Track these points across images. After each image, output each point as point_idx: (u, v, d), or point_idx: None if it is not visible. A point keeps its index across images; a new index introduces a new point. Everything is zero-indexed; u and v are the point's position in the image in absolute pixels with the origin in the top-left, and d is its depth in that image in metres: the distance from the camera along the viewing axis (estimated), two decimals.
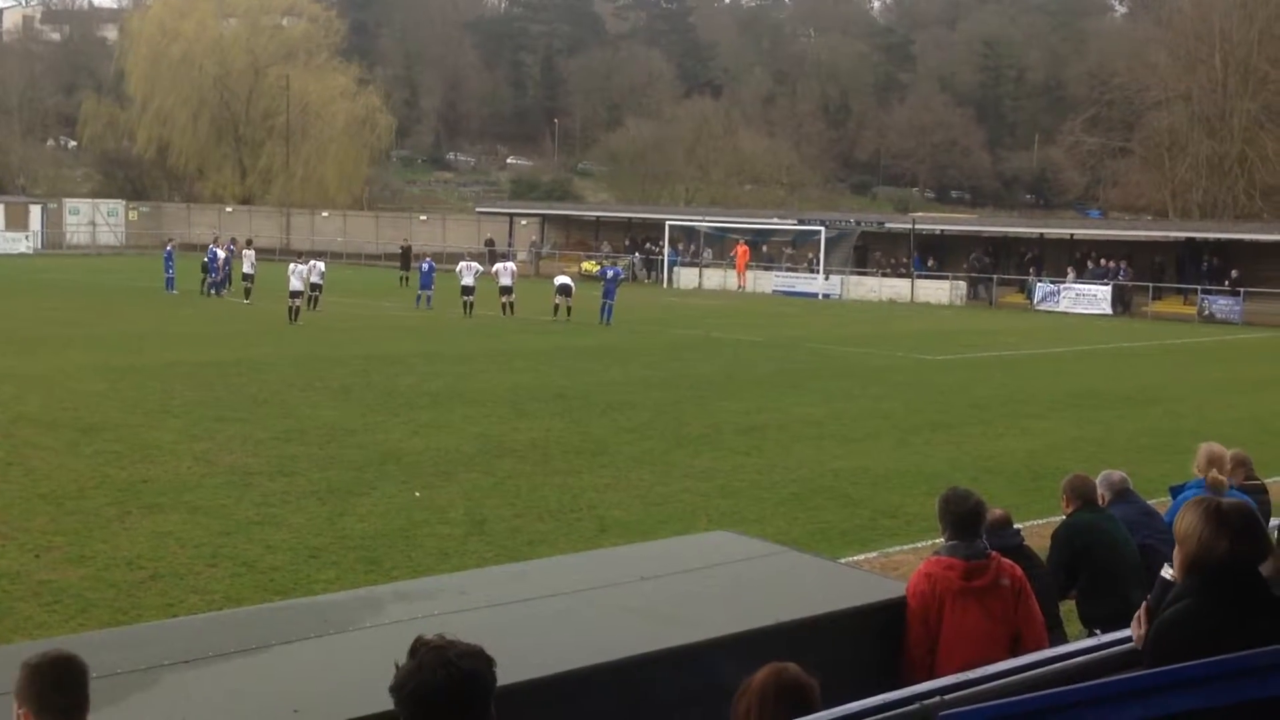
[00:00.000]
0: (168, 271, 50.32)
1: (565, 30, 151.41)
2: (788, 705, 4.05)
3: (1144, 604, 4.83)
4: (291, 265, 42.23)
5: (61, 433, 19.71)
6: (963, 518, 6.90)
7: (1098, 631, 7.75)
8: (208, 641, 5.49)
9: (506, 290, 43.96)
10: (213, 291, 48.75)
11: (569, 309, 42.72)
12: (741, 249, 68.47)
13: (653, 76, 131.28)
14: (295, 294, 40.58)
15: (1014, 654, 6.13)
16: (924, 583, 6.75)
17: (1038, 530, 13.11)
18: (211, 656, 5.29)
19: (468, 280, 44.70)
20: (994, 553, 7.00)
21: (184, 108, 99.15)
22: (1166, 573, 4.90)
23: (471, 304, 44.08)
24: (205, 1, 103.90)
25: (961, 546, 6.84)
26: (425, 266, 48.21)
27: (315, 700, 4.86)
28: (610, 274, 45.74)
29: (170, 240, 56.69)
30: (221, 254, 49.68)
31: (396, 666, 3.63)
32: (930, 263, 66.62)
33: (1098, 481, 9.49)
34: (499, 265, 46.38)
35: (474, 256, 51.31)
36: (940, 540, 7.05)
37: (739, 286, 67.20)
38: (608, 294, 43.12)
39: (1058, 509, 9.83)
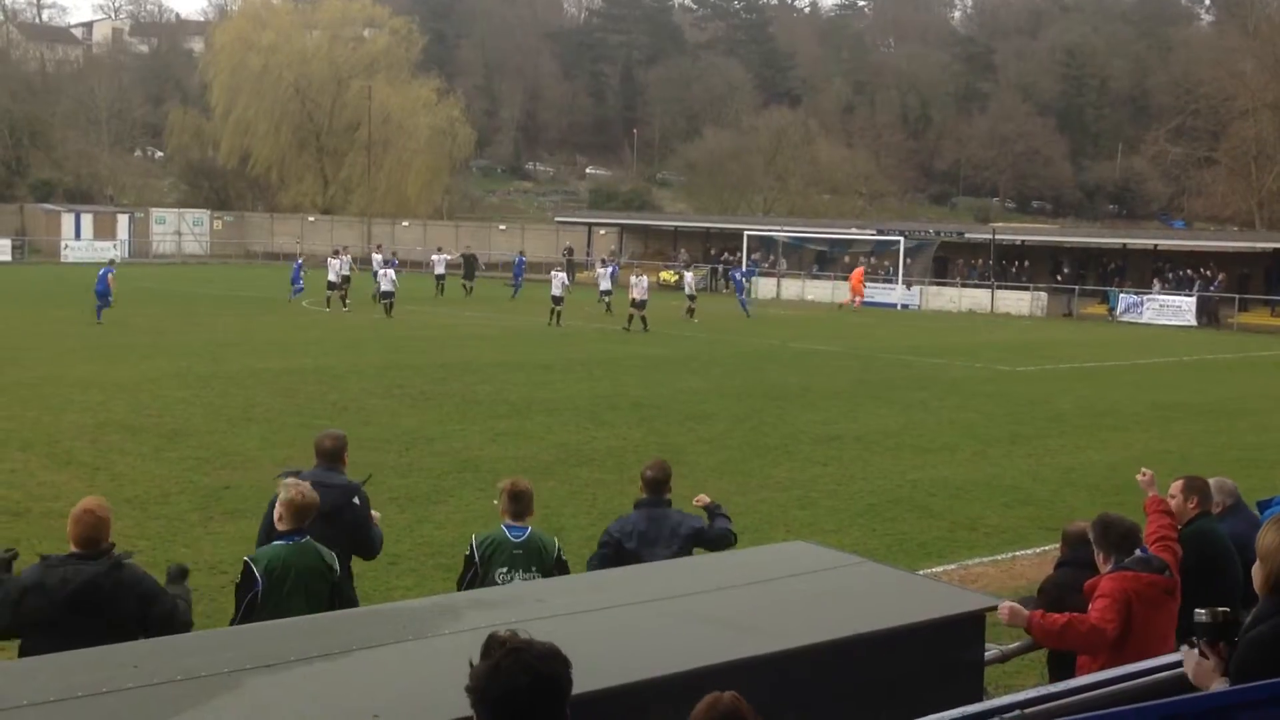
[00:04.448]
0: (296, 283, 50.97)
1: (644, 40, 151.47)
2: None
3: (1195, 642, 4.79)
4: (381, 270, 47.28)
5: (147, 439, 20.01)
6: (1129, 535, 7.47)
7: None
8: (288, 646, 5.55)
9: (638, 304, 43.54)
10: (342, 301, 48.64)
11: (644, 319, 42.70)
12: (858, 271, 64.65)
13: (731, 86, 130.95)
14: (386, 294, 46.02)
15: None
16: (1124, 587, 7.15)
17: None
18: (292, 661, 5.34)
19: (556, 290, 44.95)
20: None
21: (265, 118, 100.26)
22: (1203, 616, 4.83)
23: (560, 313, 44.33)
24: (287, 14, 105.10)
25: (1148, 561, 7.34)
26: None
27: (394, 705, 4.89)
28: (739, 274, 57.02)
29: (300, 253, 57.97)
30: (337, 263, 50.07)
31: (471, 664, 3.63)
32: (1014, 269, 65.87)
33: (1214, 488, 9.11)
34: (633, 278, 45.22)
35: (561, 265, 52.18)
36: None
37: (852, 303, 62.58)
38: (740, 290, 55.02)
39: (1140, 523, 9.67)
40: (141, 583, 7.32)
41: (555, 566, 8.63)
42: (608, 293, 52.16)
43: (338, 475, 9.11)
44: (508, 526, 8.75)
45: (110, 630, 6.86)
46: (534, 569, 8.54)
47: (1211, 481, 9.22)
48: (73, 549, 7.22)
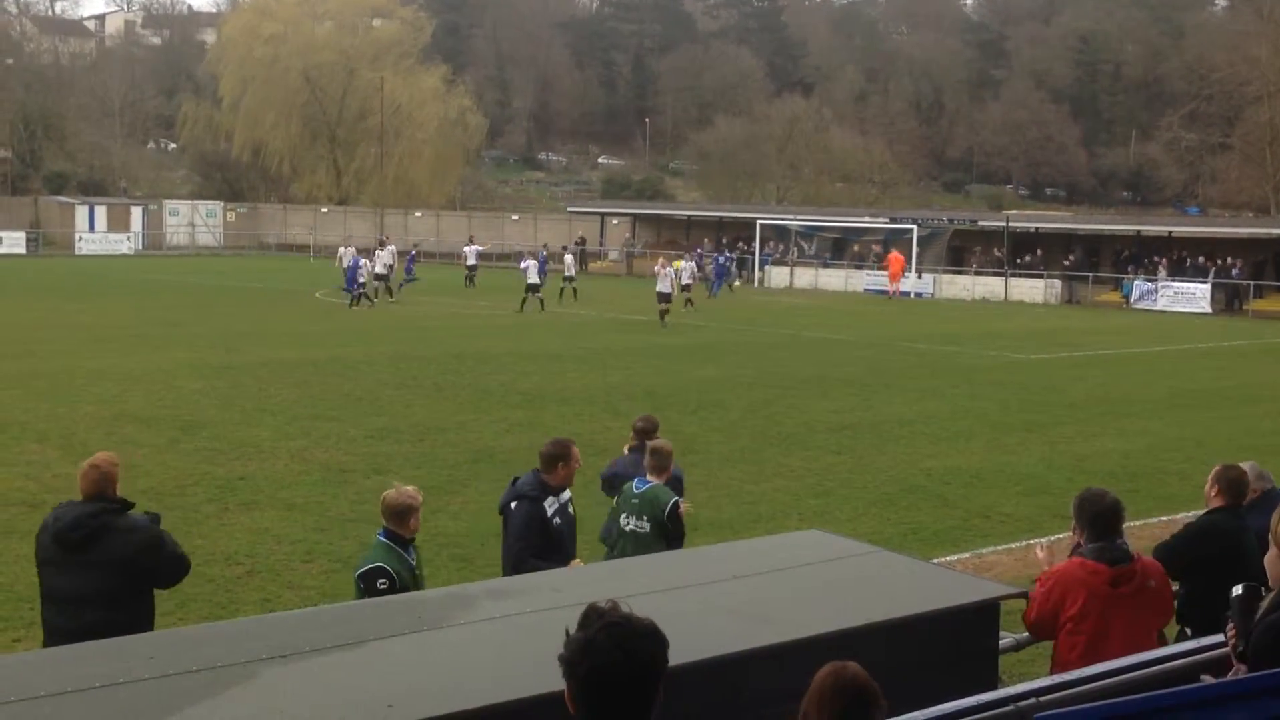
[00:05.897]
0: (360, 277, 48.31)
1: (656, 29, 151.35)
2: (845, 704, 3.96)
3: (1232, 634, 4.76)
4: (363, 259, 47.49)
5: (162, 430, 20.06)
6: (1100, 515, 6.88)
7: (1188, 631, 7.60)
8: (304, 637, 5.56)
9: (665, 297, 42.28)
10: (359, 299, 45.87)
11: (663, 314, 42.27)
12: (894, 257, 63.59)
13: (744, 75, 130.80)
14: (379, 277, 47.36)
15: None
16: (1066, 573, 6.81)
17: (1134, 532, 12.93)
18: (307, 651, 5.35)
19: (532, 278, 45.15)
20: (1138, 555, 6.96)
21: (275, 110, 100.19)
22: (1239, 590, 4.79)
23: (541, 300, 44.72)
24: (295, 4, 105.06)
25: (1106, 549, 6.81)
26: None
27: (409, 695, 4.90)
28: (722, 259, 61.88)
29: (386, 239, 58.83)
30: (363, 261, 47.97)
31: (567, 633, 3.58)
32: (1027, 258, 65.66)
33: (1250, 474, 8.54)
34: (658, 269, 44.09)
35: (531, 254, 51.79)
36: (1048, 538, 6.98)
37: (893, 293, 62.29)
38: (719, 275, 59.09)
39: (1155, 510, 9.65)
40: (137, 530, 7.65)
41: (668, 520, 9.53)
42: (535, 287, 46.14)
43: (531, 479, 9.34)
44: (639, 479, 9.86)
45: (99, 568, 7.36)
46: (645, 517, 9.59)
47: (1247, 466, 8.72)
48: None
